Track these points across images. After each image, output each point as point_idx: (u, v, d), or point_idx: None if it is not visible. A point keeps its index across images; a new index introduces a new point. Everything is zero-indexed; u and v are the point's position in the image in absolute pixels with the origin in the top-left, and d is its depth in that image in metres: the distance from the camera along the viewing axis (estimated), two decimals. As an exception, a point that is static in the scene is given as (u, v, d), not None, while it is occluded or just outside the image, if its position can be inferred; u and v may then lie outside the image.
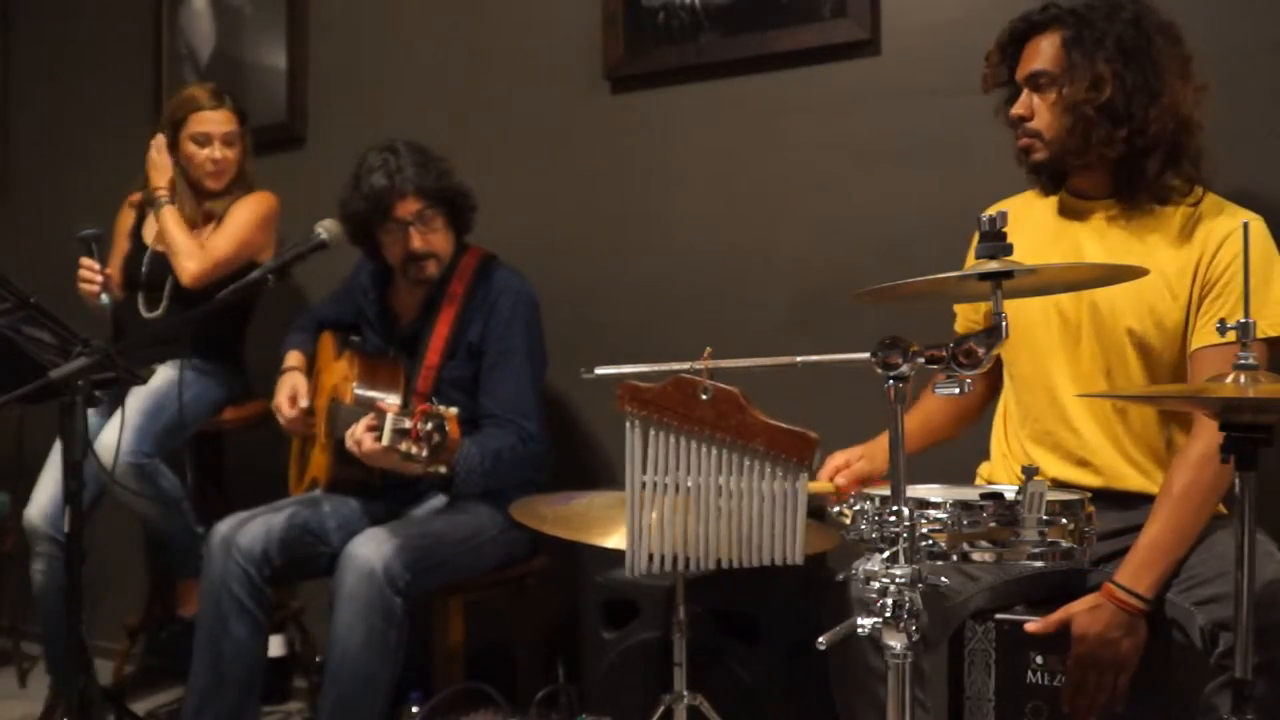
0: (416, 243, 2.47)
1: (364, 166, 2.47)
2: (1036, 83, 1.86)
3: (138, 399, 2.72)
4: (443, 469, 2.19)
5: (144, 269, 2.94)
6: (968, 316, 2.10)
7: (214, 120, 2.93)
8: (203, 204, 2.97)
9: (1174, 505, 1.71)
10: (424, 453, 1.99)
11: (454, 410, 2.02)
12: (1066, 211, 1.94)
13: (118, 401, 2.69)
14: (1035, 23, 1.87)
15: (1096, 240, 1.88)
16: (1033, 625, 1.74)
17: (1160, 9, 1.84)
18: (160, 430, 2.77)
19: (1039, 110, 1.86)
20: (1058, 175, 1.93)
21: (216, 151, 2.93)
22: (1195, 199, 1.82)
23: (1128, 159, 1.81)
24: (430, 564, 2.31)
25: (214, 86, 3.01)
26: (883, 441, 1.98)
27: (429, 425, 1.98)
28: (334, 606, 2.24)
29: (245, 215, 2.94)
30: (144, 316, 2.92)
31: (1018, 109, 1.88)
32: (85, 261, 2.79)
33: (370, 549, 2.24)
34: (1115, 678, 1.67)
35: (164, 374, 2.83)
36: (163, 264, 2.91)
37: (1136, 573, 1.69)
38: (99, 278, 2.77)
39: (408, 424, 2.01)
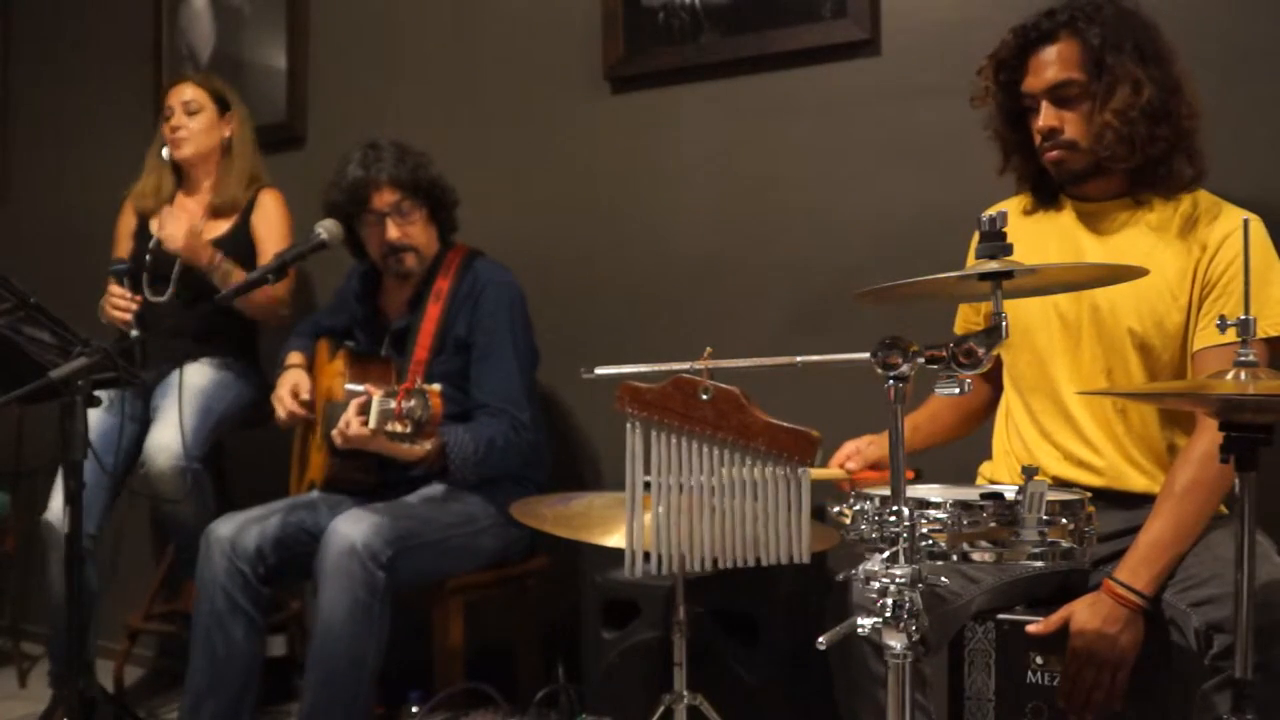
0: (393, 233, 2.50)
1: (344, 161, 2.53)
2: (1064, 95, 1.82)
3: (188, 400, 2.71)
4: (428, 445, 2.20)
5: (148, 257, 2.94)
6: (968, 318, 2.10)
7: (176, 92, 2.98)
8: (210, 192, 2.98)
9: (1176, 503, 1.71)
10: (408, 429, 2.00)
11: (436, 386, 2.03)
12: (1067, 215, 1.94)
13: (133, 399, 2.70)
14: (1045, 31, 1.83)
15: (1097, 243, 1.88)
16: (1034, 627, 1.74)
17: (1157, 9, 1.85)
18: (207, 432, 2.77)
19: (1070, 121, 1.82)
20: (1078, 180, 1.90)
21: (176, 119, 2.95)
22: (1193, 196, 1.83)
23: (1164, 157, 1.80)
24: (414, 543, 2.30)
25: (197, 71, 3.06)
26: None
27: (411, 401, 2.00)
28: (318, 587, 2.24)
29: (279, 220, 2.98)
30: (150, 301, 2.92)
31: (1046, 121, 1.83)
32: (117, 290, 2.79)
33: (350, 525, 2.25)
34: (1112, 674, 1.67)
35: (204, 374, 2.84)
36: (169, 253, 2.92)
37: (1135, 569, 1.69)
38: (134, 306, 2.77)
39: (392, 404, 2.02)
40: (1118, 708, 1.69)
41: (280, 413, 2.54)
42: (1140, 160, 1.81)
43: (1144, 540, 1.70)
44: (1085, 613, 1.69)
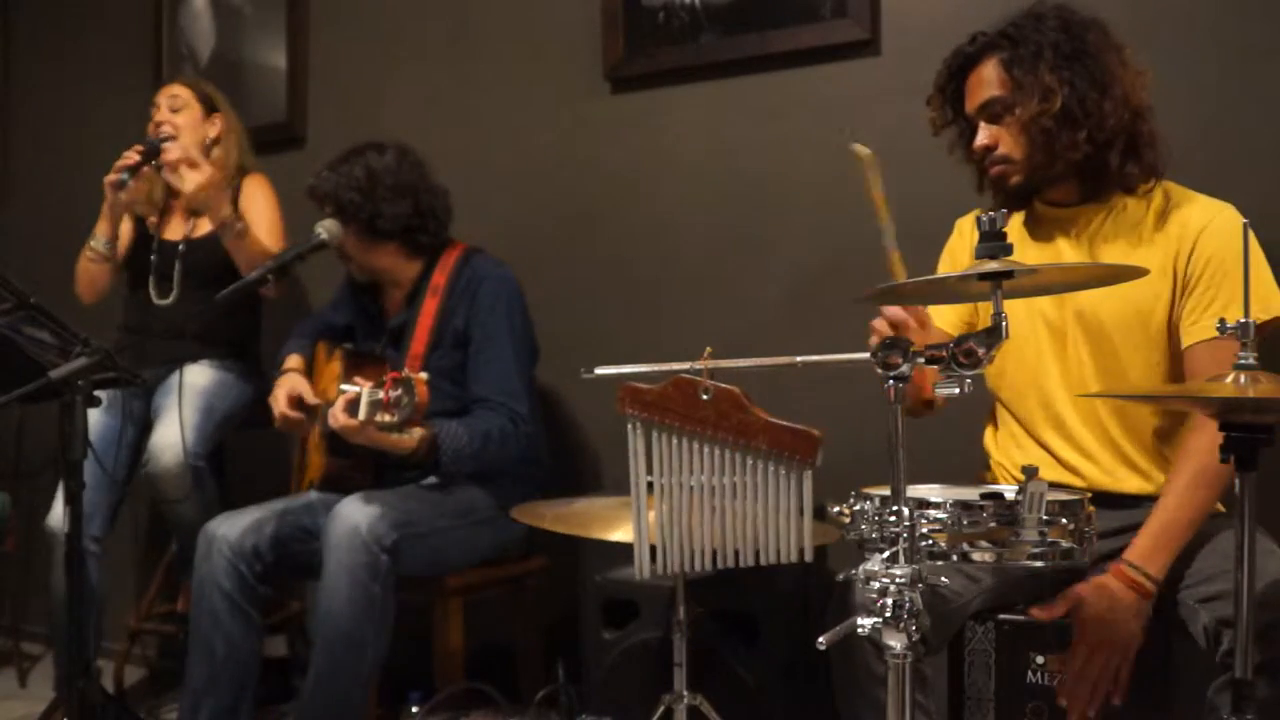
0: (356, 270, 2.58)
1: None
2: (991, 112, 1.86)
3: (189, 399, 2.71)
4: (418, 432, 2.20)
5: (154, 257, 2.94)
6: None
7: (164, 93, 2.98)
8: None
9: (1186, 488, 1.71)
10: (395, 418, 2.00)
11: (423, 375, 2.03)
12: (1043, 222, 1.94)
13: (133, 400, 2.69)
14: (969, 55, 1.88)
15: (1074, 247, 1.88)
16: (1039, 611, 1.73)
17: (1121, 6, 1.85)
18: (211, 430, 2.77)
19: (1002, 137, 1.86)
20: (1028, 192, 1.92)
21: (160, 115, 2.95)
22: (1159, 188, 1.83)
23: (1091, 158, 1.81)
24: (417, 530, 2.30)
25: (196, 71, 3.09)
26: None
27: (398, 390, 2.00)
28: (321, 571, 2.24)
29: (265, 202, 2.96)
30: (156, 304, 2.92)
31: (982, 140, 1.87)
32: (138, 146, 2.80)
33: (354, 508, 2.25)
34: (1119, 661, 1.67)
35: (205, 374, 2.84)
36: (171, 253, 2.93)
37: (1148, 554, 1.68)
38: (135, 158, 2.76)
39: (380, 394, 2.02)
40: (1122, 699, 1.68)
41: (276, 414, 2.54)
42: (1062, 166, 1.83)
43: (1155, 526, 1.69)
44: (1093, 595, 1.68)
